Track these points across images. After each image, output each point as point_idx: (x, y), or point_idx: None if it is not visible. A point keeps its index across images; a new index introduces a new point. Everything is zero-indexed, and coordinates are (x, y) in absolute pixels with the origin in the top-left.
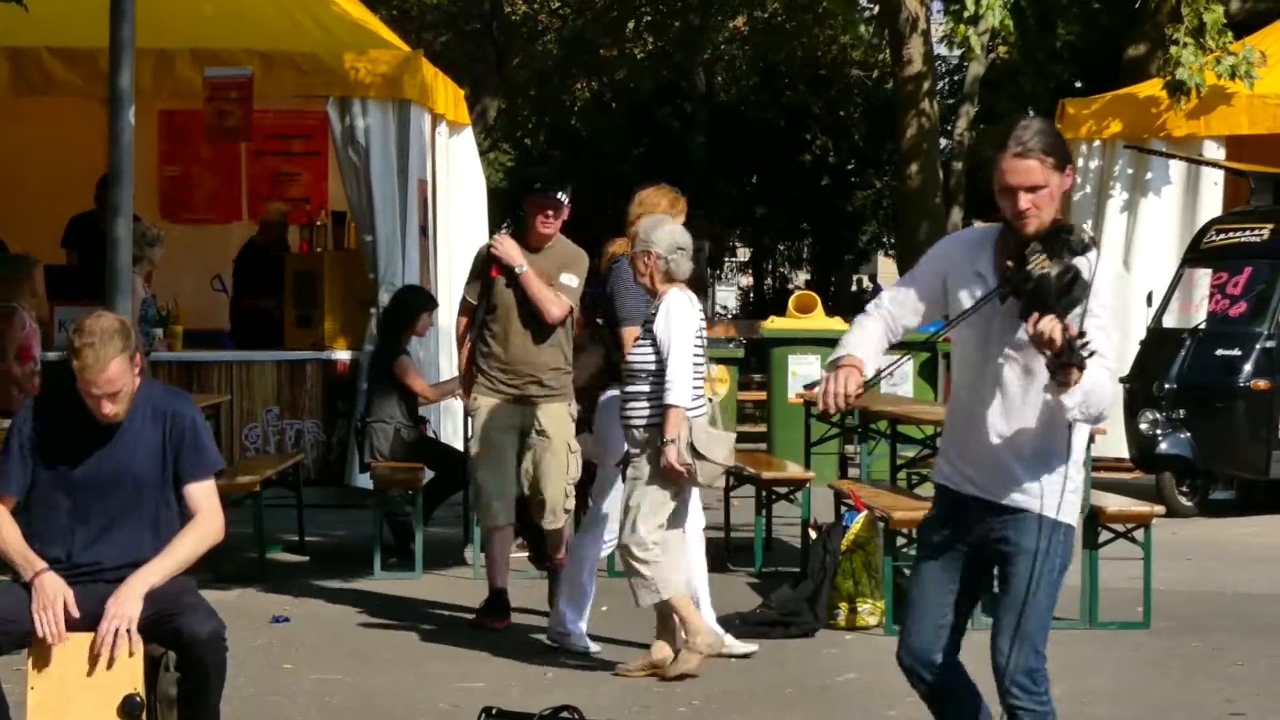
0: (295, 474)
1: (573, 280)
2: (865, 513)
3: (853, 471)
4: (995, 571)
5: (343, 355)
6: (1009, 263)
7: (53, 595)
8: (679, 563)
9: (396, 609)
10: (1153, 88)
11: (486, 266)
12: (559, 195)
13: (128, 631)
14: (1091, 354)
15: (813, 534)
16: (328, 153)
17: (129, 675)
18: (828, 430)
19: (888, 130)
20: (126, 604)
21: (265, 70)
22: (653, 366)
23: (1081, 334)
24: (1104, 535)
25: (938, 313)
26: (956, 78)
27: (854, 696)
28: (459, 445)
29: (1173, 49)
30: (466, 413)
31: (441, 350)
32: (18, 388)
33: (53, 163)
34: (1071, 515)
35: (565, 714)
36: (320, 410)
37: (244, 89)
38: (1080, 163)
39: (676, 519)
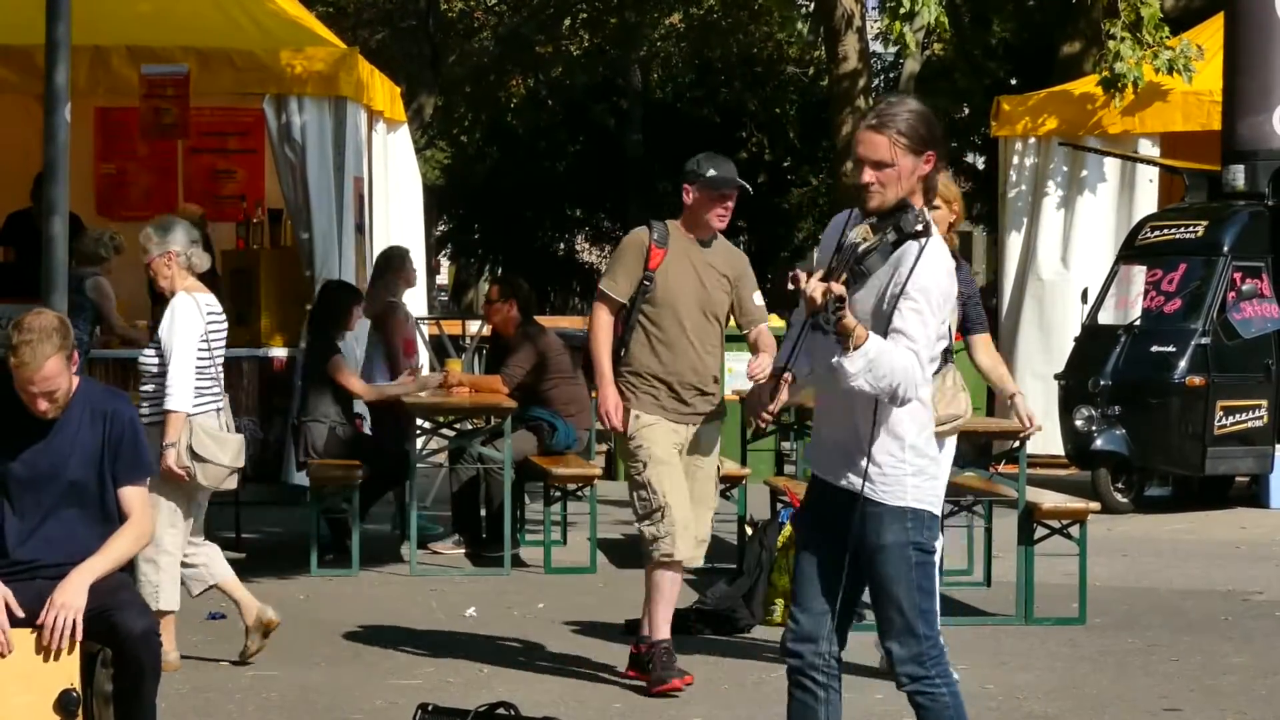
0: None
1: (761, 299)
2: None
3: (789, 469)
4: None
5: (279, 353)
6: (847, 234)
7: None
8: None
9: (333, 606)
10: (1088, 85)
11: (644, 257)
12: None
13: (73, 623)
14: (840, 319)
15: (749, 531)
16: (264, 150)
17: (66, 671)
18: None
19: (823, 127)
20: (73, 595)
21: (201, 67)
22: (156, 369)
23: (840, 299)
24: (1039, 531)
25: None
26: (892, 75)
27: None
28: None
29: (1110, 43)
30: (610, 426)
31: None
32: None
33: None
34: (917, 499)
35: (501, 710)
36: (257, 408)
37: (180, 86)
38: (1015, 160)
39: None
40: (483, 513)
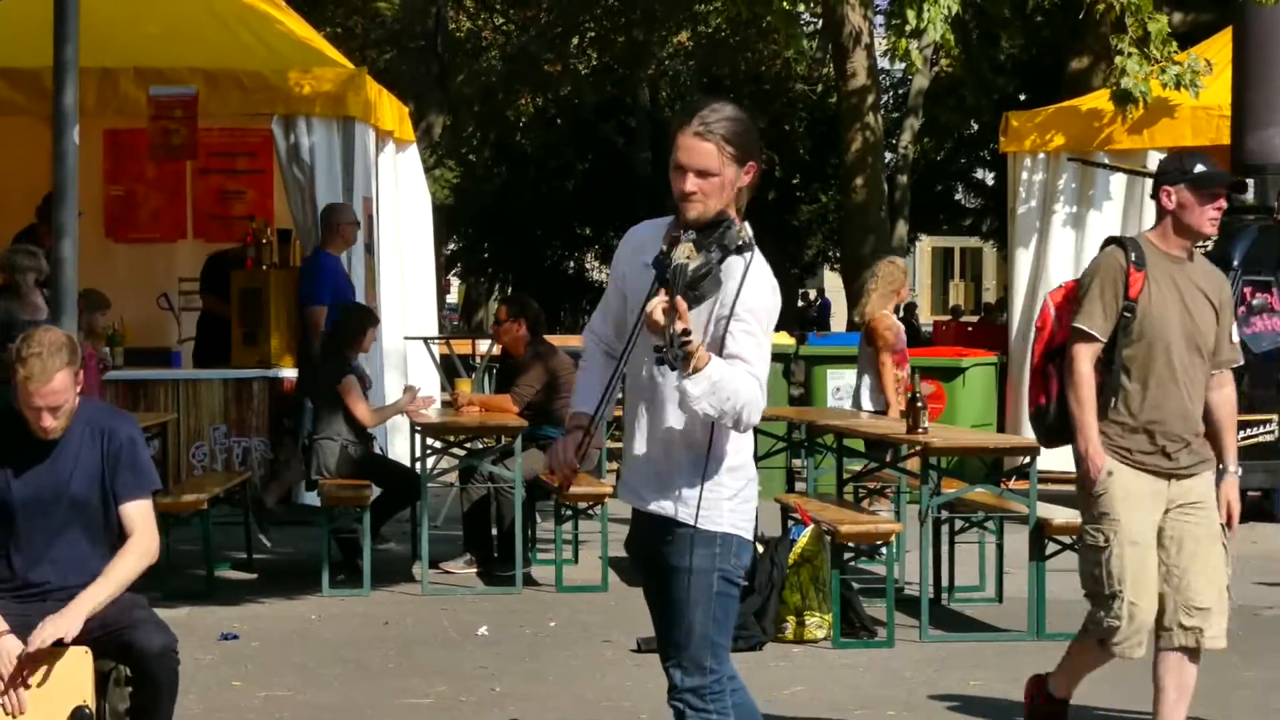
0: (242, 491)
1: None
2: (812, 526)
3: (799, 485)
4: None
5: (289, 373)
6: (663, 248)
7: (9, 662)
8: None
9: (345, 625)
10: (1096, 100)
11: (1123, 283)
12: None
13: (59, 640)
14: (689, 354)
15: (760, 548)
16: (272, 170)
17: (78, 688)
18: (774, 444)
19: (832, 144)
20: (67, 621)
21: (210, 88)
22: None
23: (687, 331)
24: (1051, 547)
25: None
26: (901, 91)
27: (802, 710)
28: (406, 461)
29: (1118, 59)
30: (1094, 485)
31: (388, 368)
32: None
33: None
34: (730, 524)
35: None
36: (267, 428)
37: (189, 107)
38: (1024, 175)
39: None
40: (494, 531)
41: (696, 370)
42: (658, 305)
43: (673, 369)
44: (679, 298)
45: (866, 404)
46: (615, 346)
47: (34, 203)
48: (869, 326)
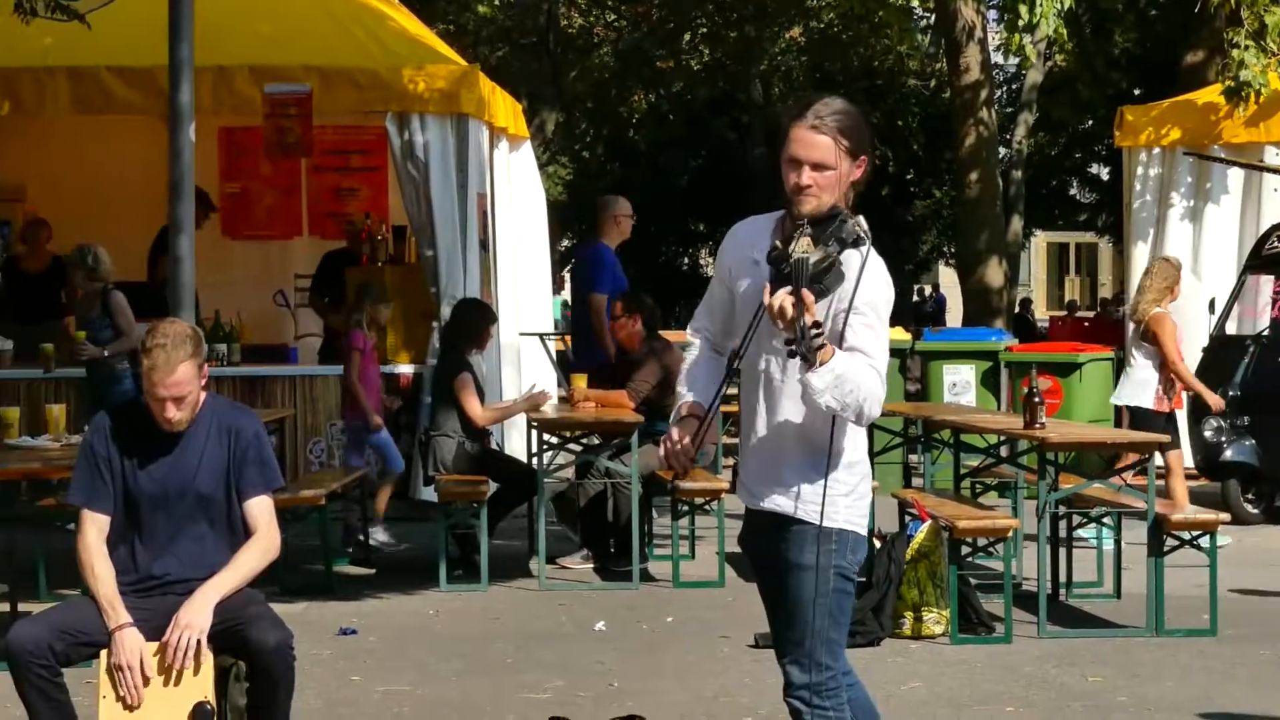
0: (360, 487)
1: None
2: (929, 522)
3: (916, 481)
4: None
5: (405, 369)
6: (777, 243)
7: (131, 654)
8: None
9: (463, 621)
10: (1212, 94)
11: None
12: None
13: (197, 642)
14: (822, 345)
15: (877, 543)
16: (387, 167)
17: (200, 684)
18: (891, 440)
19: (946, 139)
20: (197, 615)
21: (324, 86)
22: None
23: (817, 324)
24: (1169, 543)
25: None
26: (1014, 86)
27: (919, 706)
28: (523, 458)
29: (1234, 52)
30: None
31: (504, 364)
32: None
33: (113, 180)
34: (846, 520)
35: None
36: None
37: (303, 105)
38: (1140, 170)
39: None
40: (611, 527)
41: (821, 363)
42: (784, 299)
43: (806, 362)
44: (805, 290)
45: (1134, 400)
46: (721, 343)
47: (152, 199)
48: (1146, 325)
